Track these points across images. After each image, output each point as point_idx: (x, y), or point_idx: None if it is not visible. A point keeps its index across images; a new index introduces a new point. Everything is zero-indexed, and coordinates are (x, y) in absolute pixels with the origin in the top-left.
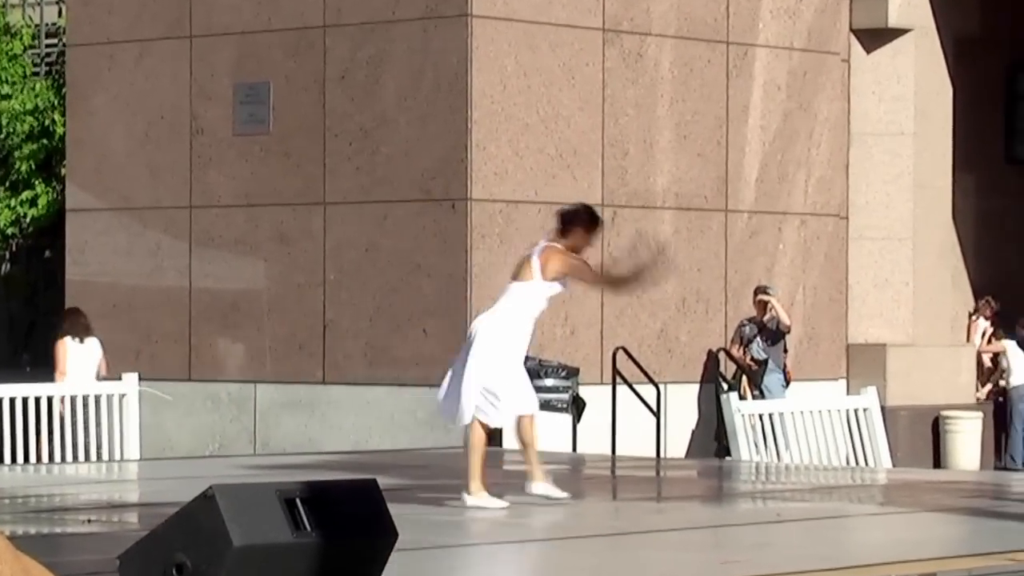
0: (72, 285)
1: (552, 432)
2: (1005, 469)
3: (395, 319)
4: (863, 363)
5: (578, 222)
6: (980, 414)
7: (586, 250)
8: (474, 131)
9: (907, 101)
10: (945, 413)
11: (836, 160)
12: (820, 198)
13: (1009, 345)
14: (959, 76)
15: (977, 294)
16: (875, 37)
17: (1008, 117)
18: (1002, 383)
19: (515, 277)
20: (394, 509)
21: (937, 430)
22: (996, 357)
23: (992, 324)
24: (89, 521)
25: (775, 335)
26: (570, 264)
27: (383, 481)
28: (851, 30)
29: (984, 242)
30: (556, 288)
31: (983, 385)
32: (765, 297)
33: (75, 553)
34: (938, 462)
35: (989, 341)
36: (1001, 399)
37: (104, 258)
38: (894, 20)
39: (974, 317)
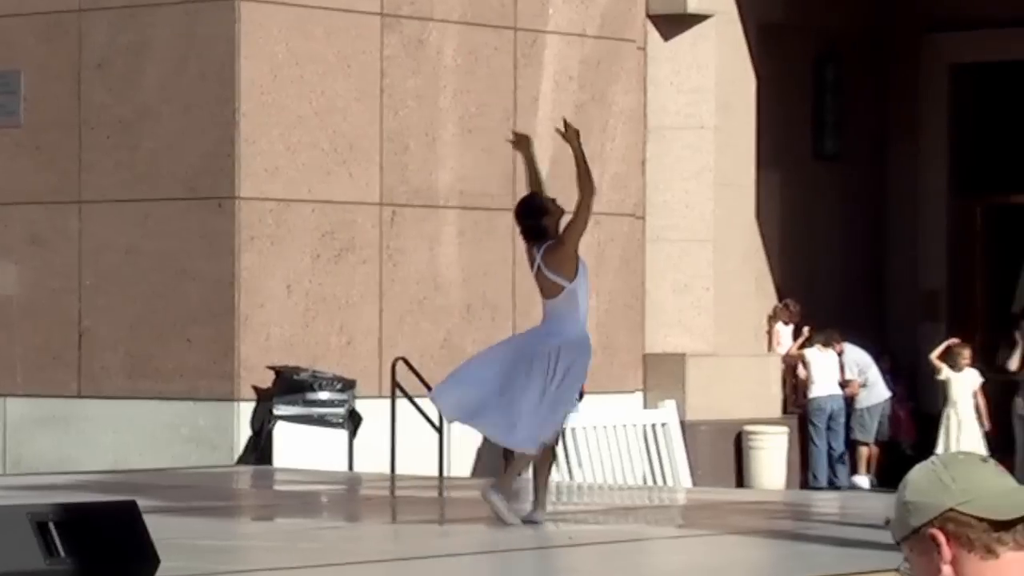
0: None
1: (327, 449)
2: (810, 488)
3: (157, 327)
4: (661, 374)
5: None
6: (786, 429)
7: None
8: (242, 124)
9: (708, 92)
10: (748, 428)
11: (632, 156)
12: (615, 196)
13: (808, 353)
14: (764, 66)
15: (782, 299)
16: (673, 23)
17: (816, 110)
18: (851, 388)
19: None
20: (155, 533)
21: (740, 446)
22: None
23: (811, 328)
24: None
25: None
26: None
27: (144, 503)
28: (648, 16)
29: (791, 243)
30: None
31: (793, 395)
32: None
33: None
34: (741, 480)
35: (803, 346)
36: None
37: None
38: (694, 6)
39: (773, 323)
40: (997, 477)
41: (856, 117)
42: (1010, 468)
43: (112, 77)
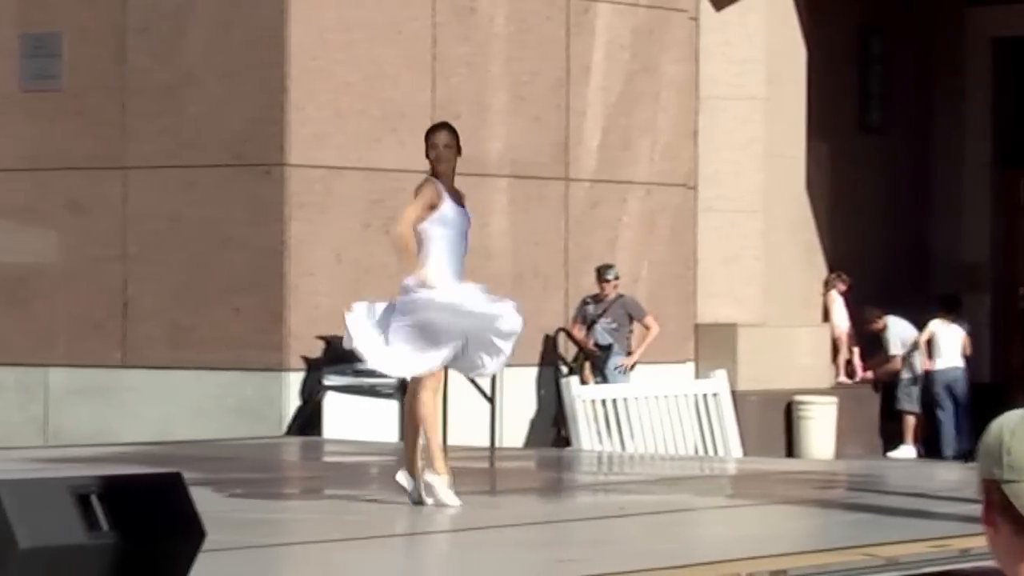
0: None
1: (377, 420)
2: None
3: (202, 296)
4: (712, 344)
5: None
6: (835, 399)
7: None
8: (291, 90)
9: (758, 63)
10: (798, 398)
11: (683, 126)
12: (666, 166)
13: (933, 325)
14: (813, 37)
15: (832, 270)
16: None
17: (863, 82)
18: (893, 365)
19: None
20: (200, 505)
21: (790, 416)
22: (880, 335)
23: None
24: None
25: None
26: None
27: (189, 475)
28: None
29: (838, 215)
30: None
31: (850, 367)
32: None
33: None
34: (791, 450)
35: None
36: (878, 384)
37: None
38: None
39: (829, 290)
40: None
41: (901, 89)
42: None
43: (156, 41)
